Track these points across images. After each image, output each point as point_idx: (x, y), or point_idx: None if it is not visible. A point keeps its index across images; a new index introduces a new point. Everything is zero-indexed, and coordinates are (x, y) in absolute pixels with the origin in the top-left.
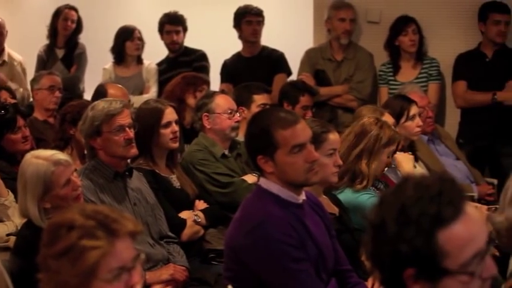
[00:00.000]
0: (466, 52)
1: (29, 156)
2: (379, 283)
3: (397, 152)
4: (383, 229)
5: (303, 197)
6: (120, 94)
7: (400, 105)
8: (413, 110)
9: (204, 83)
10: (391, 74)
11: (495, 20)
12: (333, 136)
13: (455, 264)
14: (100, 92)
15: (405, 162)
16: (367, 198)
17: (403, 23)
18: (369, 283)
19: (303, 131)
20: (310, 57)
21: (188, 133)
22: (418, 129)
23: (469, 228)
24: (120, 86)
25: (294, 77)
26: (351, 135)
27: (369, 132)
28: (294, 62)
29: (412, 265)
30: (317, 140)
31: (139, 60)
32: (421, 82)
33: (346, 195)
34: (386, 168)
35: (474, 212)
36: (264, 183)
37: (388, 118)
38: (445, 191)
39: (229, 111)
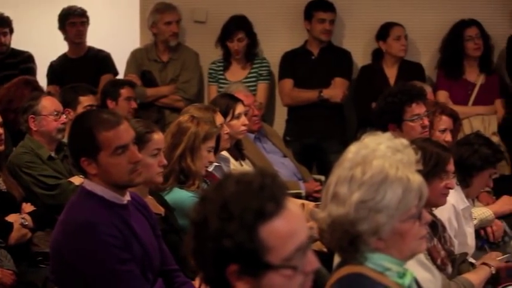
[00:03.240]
0: (291, 50)
1: None
2: (204, 282)
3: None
4: (205, 226)
5: (127, 197)
6: None
7: (226, 104)
8: (239, 108)
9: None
10: (221, 72)
11: (320, 18)
12: (157, 136)
13: (278, 259)
14: None
15: None
16: (191, 197)
17: (232, 29)
18: (196, 282)
19: (125, 132)
20: (135, 58)
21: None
22: (244, 127)
23: (290, 222)
24: None
25: (120, 77)
26: (168, 136)
27: (186, 131)
28: (121, 63)
29: (235, 261)
30: (141, 140)
31: None
32: (250, 81)
33: (172, 195)
34: (214, 165)
35: (295, 207)
36: (88, 184)
37: (219, 117)
38: (267, 186)
39: (55, 113)
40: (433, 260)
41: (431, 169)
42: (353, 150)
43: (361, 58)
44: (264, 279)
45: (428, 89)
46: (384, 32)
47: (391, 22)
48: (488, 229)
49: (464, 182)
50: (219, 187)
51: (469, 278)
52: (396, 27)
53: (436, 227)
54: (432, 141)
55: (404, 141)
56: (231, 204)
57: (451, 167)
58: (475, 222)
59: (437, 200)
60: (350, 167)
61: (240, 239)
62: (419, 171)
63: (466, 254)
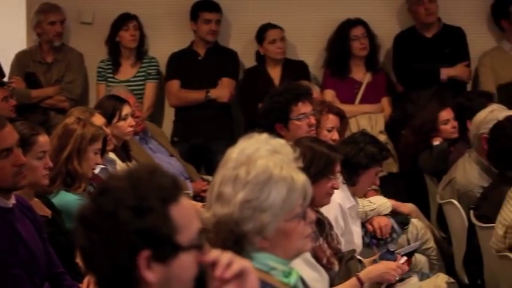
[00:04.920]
0: (179, 51)
1: None
2: (97, 284)
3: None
4: (116, 213)
5: (12, 201)
6: None
7: (112, 105)
8: (126, 109)
9: None
10: (110, 71)
11: (205, 18)
12: (43, 138)
13: (186, 239)
14: None
15: None
16: (77, 199)
17: (124, 19)
18: (84, 284)
19: (9, 134)
20: (19, 61)
21: None
22: (131, 128)
23: (190, 205)
24: None
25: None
26: (55, 139)
27: (73, 133)
28: (9, 65)
29: (148, 245)
30: (26, 143)
31: None
32: (139, 81)
33: (58, 198)
34: (100, 167)
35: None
36: None
37: (98, 118)
38: (166, 173)
39: None
40: (319, 260)
41: (320, 170)
42: (237, 150)
43: (247, 58)
44: (174, 264)
45: (316, 89)
46: (261, 35)
47: (268, 24)
48: (375, 224)
49: (351, 181)
50: (123, 177)
51: None
52: (271, 30)
53: (323, 225)
54: (320, 141)
55: (281, 140)
56: (142, 186)
57: (338, 167)
58: (373, 206)
59: (322, 200)
60: (234, 166)
61: (155, 218)
62: (305, 170)
63: (354, 251)
